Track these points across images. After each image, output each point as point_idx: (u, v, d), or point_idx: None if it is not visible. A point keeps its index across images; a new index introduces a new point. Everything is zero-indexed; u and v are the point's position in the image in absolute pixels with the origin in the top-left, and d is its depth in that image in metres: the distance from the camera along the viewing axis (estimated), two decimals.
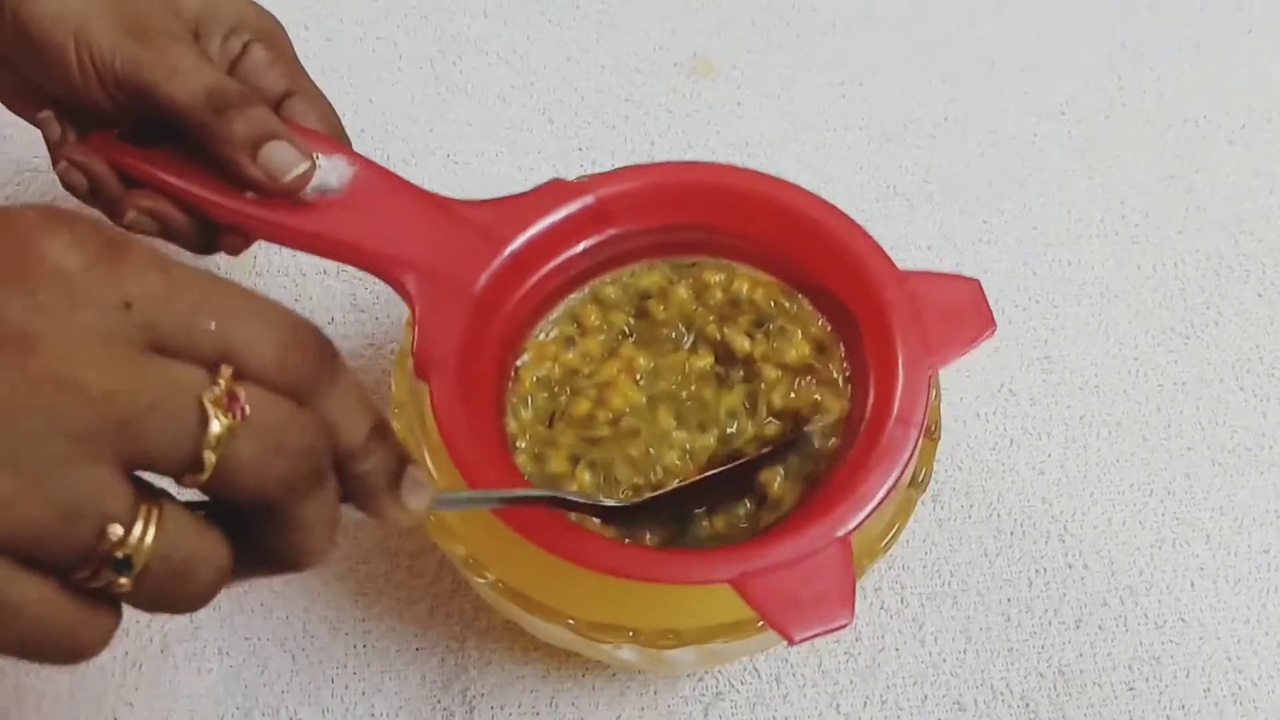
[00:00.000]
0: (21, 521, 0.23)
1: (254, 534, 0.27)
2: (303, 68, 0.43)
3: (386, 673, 0.45)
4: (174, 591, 0.25)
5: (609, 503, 0.39)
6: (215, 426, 0.24)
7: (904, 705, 0.45)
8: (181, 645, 0.46)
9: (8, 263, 0.24)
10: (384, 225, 0.40)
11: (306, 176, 0.39)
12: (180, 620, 0.46)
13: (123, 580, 0.24)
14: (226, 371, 0.25)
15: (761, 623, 0.38)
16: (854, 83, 0.59)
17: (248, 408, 0.25)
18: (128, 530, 0.24)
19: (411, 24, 0.60)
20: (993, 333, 0.40)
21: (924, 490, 0.41)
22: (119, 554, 0.24)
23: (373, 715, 0.45)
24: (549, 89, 0.59)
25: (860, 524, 0.36)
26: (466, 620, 0.46)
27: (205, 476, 0.25)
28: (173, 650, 0.46)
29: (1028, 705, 0.45)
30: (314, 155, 0.39)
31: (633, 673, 0.45)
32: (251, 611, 0.46)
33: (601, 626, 0.38)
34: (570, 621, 0.38)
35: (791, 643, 0.34)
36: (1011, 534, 0.48)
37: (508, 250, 0.40)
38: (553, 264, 0.42)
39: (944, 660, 0.46)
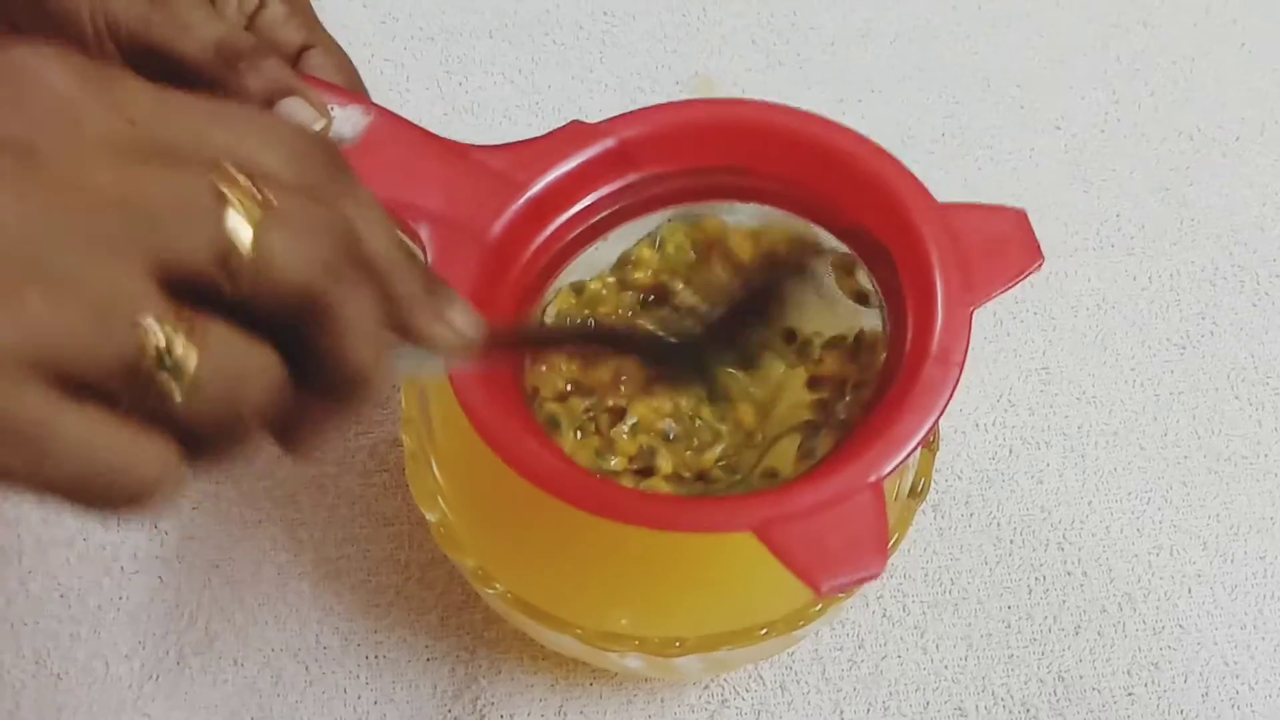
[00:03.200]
0: (53, 333, 0.22)
1: (302, 355, 0.25)
2: (319, 20, 0.42)
3: (398, 683, 0.46)
4: (230, 411, 0.24)
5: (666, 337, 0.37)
6: (241, 218, 0.24)
7: (906, 711, 0.46)
8: (197, 657, 0.47)
9: (4, 90, 0.23)
10: (397, 174, 0.38)
11: (322, 134, 0.37)
12: (196, 631, 0.47)
13: (175, 395, 0.23)
14: (241, 167, 0.24)
15: (765, 629, 0.39)
16: (853, 100, 0.60)
17: (271, 197, 0.24)
18: (169, 336, 0.23)
19: (418, 45, 0.61)
20: (1040, 265, 0.37)
21: (923, 499, 0.41)
22: (165, 361, 0.23)
23: None
24: (553, 108, 0.60)
25: (895, 468, 0.34)
26: (476, 630, 0.47)
27: (242, 274, 0.24)
28: (189, 662, 0.47)
29: (1028, 711, 0.46)
30: (330, 109, 0.38)
31: (639, 681, 0.46)
32: (265, 623, 0.47)
33: (608, 635, 0.39)
34: (578, 631, 0.39)
35: (819, 593, 0.32)
36: (1011, 542, 0.49)
37: (524, 196, 0.38)
38: (573, 210, 0.40)
39: (945, 667, 0.46)
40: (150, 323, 0.23)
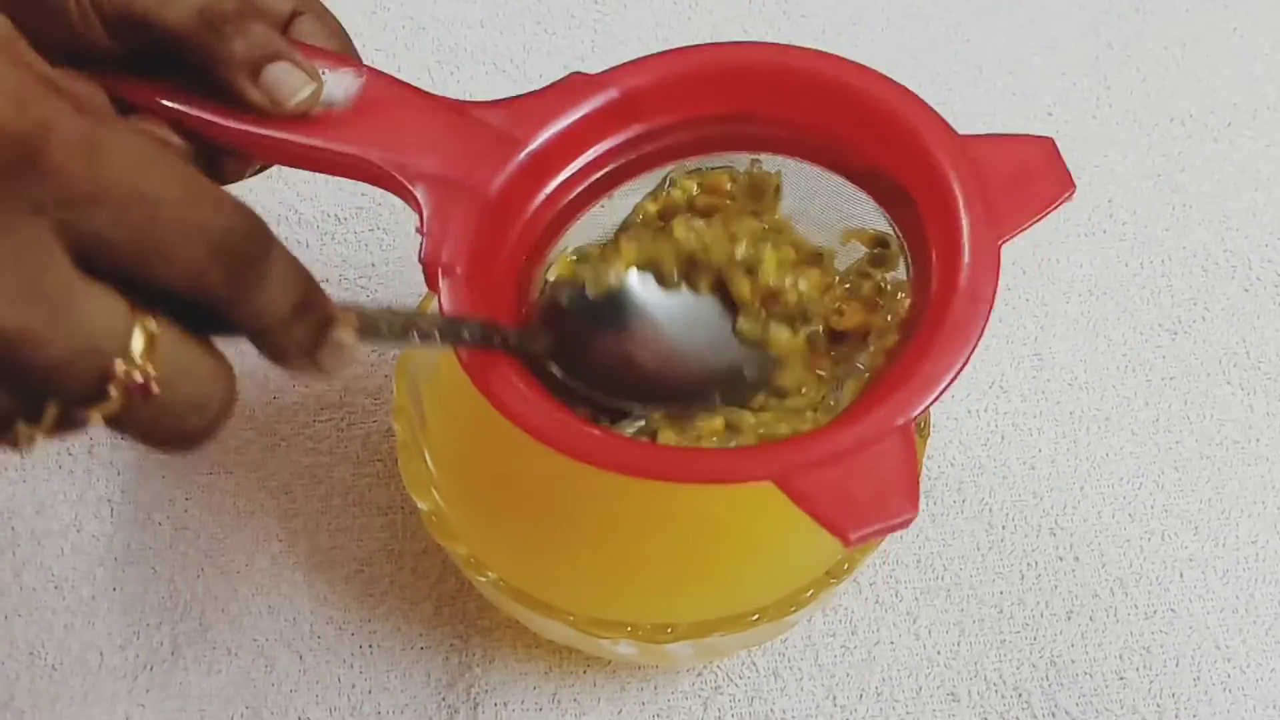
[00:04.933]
0: None
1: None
2: None
3: (392, 671, 0.46)
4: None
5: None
6: (113, 403, 0.25)
7: (899, 697, 0.46)
8: (191, 647, 0.47)
9: None
10: (391, 135, 0.37)
11: (312, 100, 0.36)
12: (190, 622, 0.47)
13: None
14: (143, 335, 0.25)
15: (756, 615, 0.39)
16: None
17: (155, 388, 0.25)
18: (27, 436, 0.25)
19: (409, 35, 0.61)
20: (1071, 194, 0.35)
21: None
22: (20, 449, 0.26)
23: (379, 714, 0.46)
24: None
25: (925, 409, 0.32)
26: (470, 619, 0.47)
27: (85, 427, 0.25)
28: (183, 652, 0.47)
29: (1020, 695, 0.46)
30: (320, 74, 0.37)
31: (633, 668, 0.46)
32: (259, 613, 0.47)
33: (600, 622, 0.39)
34: (570, 617, 0.39)
35: (847, 544, 0.30)
36: (1003, 528, 0.49)
37: (524, 152, 0.37)
38: (576, 166, 0.38)
39: (938, 652, 0.47)
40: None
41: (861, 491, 0.31)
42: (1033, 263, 0.55)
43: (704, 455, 0.35)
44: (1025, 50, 0.60)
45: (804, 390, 0.37)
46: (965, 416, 0.51)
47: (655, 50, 0.60)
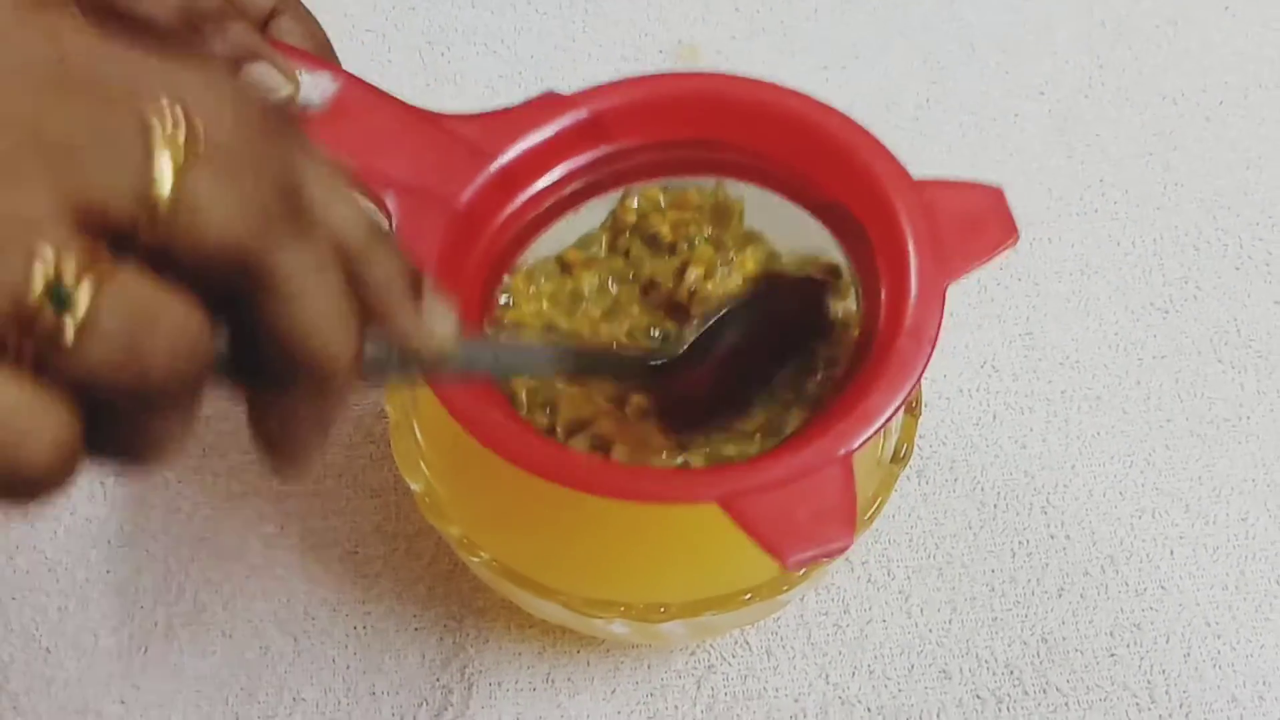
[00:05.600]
0: None
1: (249, 326, 0.23)
2: None
3: (386, 652, 0.47)
4: (132, 364, 0.21)
5: (650, 359, 0.37)
6: (166, 155, 0.21)
7: (891, 675, 0.46)
8: (186, 629, 0.47)
9: None
10: (365, 141, 0.38)
11: (289, 102, 0.37)
12: (185, 604, 0.47)
13: (65, 335, 0.20)
14: (173, 107, 0.22)
15: (748, 595, 0.39)
16: (837, 66, 0.60)
17: (203, 138, 0.22)
18: (61, 265, 0.20)
19: (400, 15, 0.61)
20: (1014, 242, 0.37)
21: (906, 464, 0.42)
22: (56, 294, 0.20)
23: (373, 694, 0.46)
24: (536, 78, 0.60)
25: (864, 442, 0.34)
26: (464, 599, 0.47)
27: (160, 217, 0.21)
28: (177, 634, 0.47)
29: (1012, 673, 0.46)
30: (297, 75, 0.37)
31: (626, 648, 0.46)
32: (253, 595, 0.47)
33: (593, 601, 0.39)
34: (563, 597, 0.39)
35: (785, 565, 0.32)
36: (995, 507, 0.49)
37: (494, 165, 0.38)
38: (545, 182, 0.39)
39: (930, 630, 0.47)
40: (45, 250, 0.20)
41: (801, 517, 0.32)
42: (1025, 242, 0.54)
43: (652, 475, 0.36)
44: (1018, 29, 0.60)
45: (753, 411, 0.39)
46: (957, 395, 0.51)
47: (647, 32, 0.61)
